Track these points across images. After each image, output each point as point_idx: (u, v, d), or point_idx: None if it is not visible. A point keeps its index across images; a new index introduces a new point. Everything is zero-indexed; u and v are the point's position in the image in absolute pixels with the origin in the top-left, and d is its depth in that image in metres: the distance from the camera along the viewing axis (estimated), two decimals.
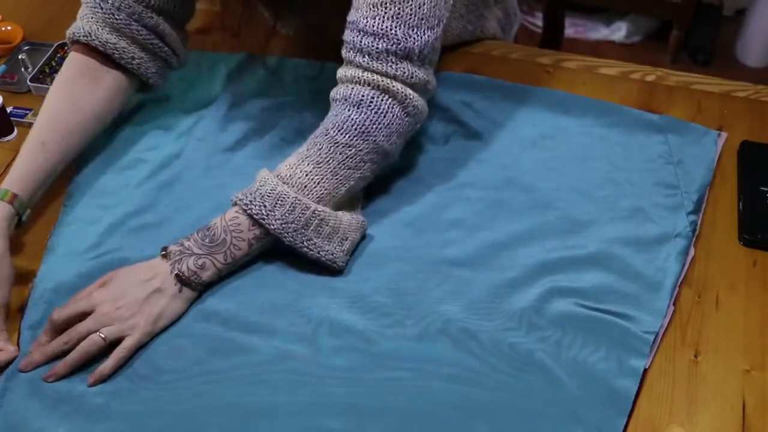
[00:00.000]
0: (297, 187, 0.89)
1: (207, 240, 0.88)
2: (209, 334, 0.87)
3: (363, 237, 0.95)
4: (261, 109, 1.12)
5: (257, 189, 0.89)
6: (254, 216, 0.88)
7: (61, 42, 1.21)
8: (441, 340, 0.86)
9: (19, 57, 1.21)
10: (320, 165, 0.90)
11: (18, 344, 0.87)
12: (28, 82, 1.15)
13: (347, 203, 0.95)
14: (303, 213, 0.88)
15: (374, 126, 0.91)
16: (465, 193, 1.01)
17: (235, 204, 0.90)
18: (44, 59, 1.19)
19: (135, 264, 0.89)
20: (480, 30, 1.23)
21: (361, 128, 0.91)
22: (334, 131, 0.91)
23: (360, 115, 0.91)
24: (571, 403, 0.81)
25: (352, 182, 0.92)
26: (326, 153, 0.91)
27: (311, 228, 0.88)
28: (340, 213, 0.92)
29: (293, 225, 0.88)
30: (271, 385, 0.82)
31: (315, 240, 0.89)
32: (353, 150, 0.91)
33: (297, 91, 1.14)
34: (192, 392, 0.82)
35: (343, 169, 0.91)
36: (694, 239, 0.95)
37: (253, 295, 0.90)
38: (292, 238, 0.88)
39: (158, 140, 1.08)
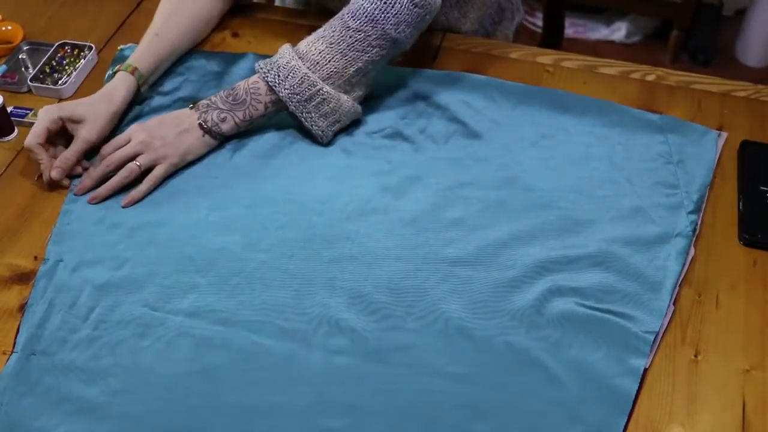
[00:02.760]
0: (310, 62, 1.02)
1: (230, 98, 1.03)
2: (209, 334, 0.87)
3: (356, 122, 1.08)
4: None
5: (276, 60, 1.03)
6: (269, 83, 1.01)
7: (61, 42, 1.21)
8: (441, 340, 0.86)
9: (20, 57, 1.21)
10: (332, 45, 1.02)
11: (15, 342, 0.87)
12: (29, 82, 1.15)
13: (362, 84, 1.06)
14: (309, 88, 1.01)
15: (383, 15, 1.01)
16: (465, 192, 1.01)
17: (258, 71, 1.03)
18: (45, 59, 1.18)
19: (167, 113, 1.05)
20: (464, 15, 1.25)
21: (371, 16, 1.01)
22: (348, 16, 1.03)
23: (371, 4, 1.02)
24: (571, 403, 0.81)
25: (360, 64, 1.03)
26: (338, 35, 1.02)
27: (313, 103, 1.02)
28: (344, 98, 1.03)
29: (298, 96, 1.01)
30: (271, 385, 0.83)
31: (313, 114, 1.02)
32: (362, 35, 1.01)
33: None
34: (192, 392, 0.82)
35: (352, 51, 1.02)
36: (694, 239, 0.95)
37: (253, 294, 0.90)
38: (295, 107, 1.02)
39: None
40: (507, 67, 1.18)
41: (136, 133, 1.02)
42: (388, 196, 1.00)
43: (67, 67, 1.18)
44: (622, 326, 0.86)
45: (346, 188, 1.01)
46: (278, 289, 0.90)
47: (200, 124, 1.02)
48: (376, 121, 1.10)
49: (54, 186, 1.02)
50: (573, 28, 2.53)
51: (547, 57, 1.20)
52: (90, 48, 1.20)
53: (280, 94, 1.01)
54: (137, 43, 1.21)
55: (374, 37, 1.02)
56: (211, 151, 1.06)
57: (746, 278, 0.92)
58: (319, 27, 1.05)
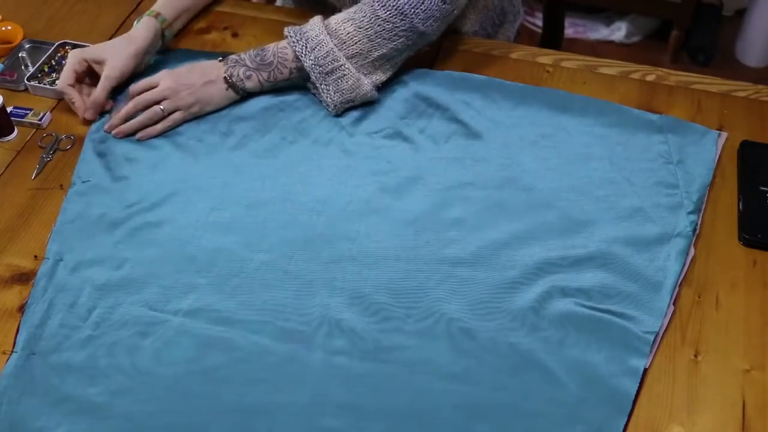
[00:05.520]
0: (337, 39, 1.05)
1: (258, 58, 1.08)
2: (209, 334, 0.87)
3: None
4: (261, 108, 1.12)
5: (306, 31, 1.07)
6: (296, 52, 1.06)
7: (61, 41, 1.21)
8: (441, 340, 0.86)
9: (20, 55, 1.20)
10: (360, 29, 1.05)
11: (15, 342, 0.87)
12: (26, 81, 1.15)
13: (385, 69, 1.09)
14: (332, 62, 1.05)
15: (412, 10, 1.05)
16: (465, 192, 1.01)
17: (286, 37, 1.08)
18: (44, 58, 1.18)
19: (196, 62, 1.11)
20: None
21: (401, 9, 1.04)
22: (378, 5, 1.05)
23: None
24: (571, 403, 0.81)
25: (385, 50, 1.06)
26: (367, 21, 1.05)
27: (333, 77, 1.06)
28: (364, 79, 1.07)
29: (320, 68, 1.06)
30: (271, 385, 0.83)
31: (331, 88, 1.07)
32: (390, 25, 1.05)
33: (297, 90, 1.14)
34: (192, 392, 0.82)
35: (379, 38, 1.05)
36: (694, 239, 0.95)
37: (253, 295, 0.90)
38: (315, 77, 1.07)
39: (158, 140, 1.08)
40: (507, 67, 1.19)
41: (164, 79, 1.08)
42: (388, 196, 1.00)
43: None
44: (623, 326, 0.86)
45: (347, 188, 1.01)
46: (278, 290, 0.90)
47: (225, 78, 1.08)
48: (376, 121, 1.10)
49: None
50: (573, 28, 2.53)
51: (547, 57, 1.20)
52: None
53: (305, 63, 1.06)
54: None
55: (402, 29, 1.05)
56: (213, 150, 1.06)
57: (746, 278, 0.92)
58: None
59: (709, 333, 0.87)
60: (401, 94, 1.12)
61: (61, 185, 1.03)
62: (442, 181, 1.02)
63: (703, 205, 0.99)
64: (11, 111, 1.11)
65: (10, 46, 1.22)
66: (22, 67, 1.19)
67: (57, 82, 1.12)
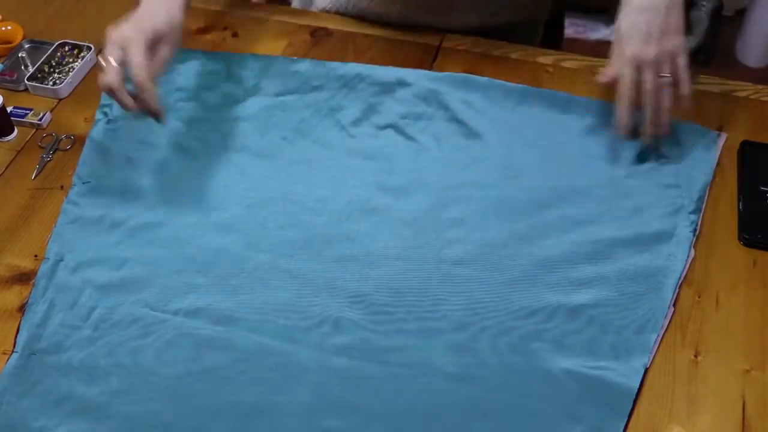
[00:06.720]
0: None
1: None
2: (210, 334, 0.87)
3: None
4: (261, 108, 1.12)
5: None
6: None
7: (61, 41, 1.21)
8: (441, 340, 0.86)
9: (20, 55, 1.20)
10: None
11: (15, 342, 0.87)
12: (26, 81, 1.15)
13: None
14: None
15: None
16: (465, 192, 1.01)
17: None
18: (44, 58, 1.18)
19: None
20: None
21: None
22: None
23: None
24: (571, 403, 0.81)
25: None
26: None
27: None
28: None
29: None
30: (271, 385, 0.83)
31: None
32: None
33: (297, 90, 1.14)
34: (192, 392, 0.82)
35: None
36: (694, 239, 0.95)
37: (253, 294, 0.90)
38: None
39: (158, 140, 1.08)
40: (507, 67, 1.18)
41: (641, 57, 0.96)
42: (388, 196, 1.00)
43: (65, 67, 1.18)
44: (623, 326, 0.86)
45: (347, 188, 1.01)
46: (279, 289, 0.90)
47: None
48: (376, 120, 1.10)
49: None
50: (573, 28, 2.53)
51: (547, 57, 1.20)
52: (89, 48, 1.20)
53: None
54: None
55: None
56: (213, 151, 1.06)
57: (746, 278, 0.92)
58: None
59: (709, 333, 0.87)
60: (401, 94, 1.12)
61: (61, 186, 1.03)
62: (442, 181, 1.02)
63: (703, 205, 0.99)
64: (11, 111, 1.11)
65: (10, 46, 1.22)
66: (22, 67, 1.19)
67: (103, 79, 0.93)
